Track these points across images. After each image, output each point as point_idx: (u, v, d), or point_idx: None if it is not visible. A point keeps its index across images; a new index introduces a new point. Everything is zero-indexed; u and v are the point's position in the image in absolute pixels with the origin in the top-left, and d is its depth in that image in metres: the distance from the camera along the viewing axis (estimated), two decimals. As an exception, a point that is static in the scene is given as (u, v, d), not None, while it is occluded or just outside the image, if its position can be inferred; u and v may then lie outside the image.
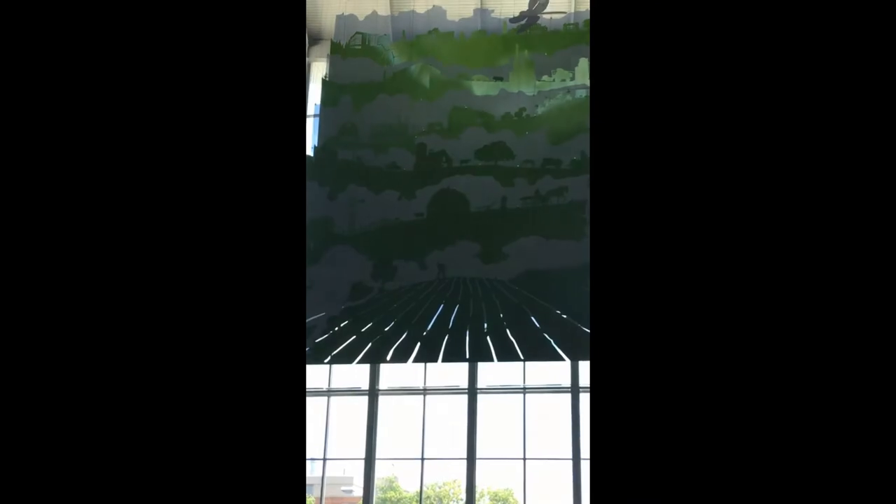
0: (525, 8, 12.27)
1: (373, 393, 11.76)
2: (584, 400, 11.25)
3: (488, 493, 12.11)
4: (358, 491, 11.93)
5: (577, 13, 12.31)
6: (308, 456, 11.72)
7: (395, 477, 12.35)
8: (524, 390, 11.54)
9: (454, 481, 12.06)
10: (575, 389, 11.34)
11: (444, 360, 10.99)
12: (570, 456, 11.13)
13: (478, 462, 11.37)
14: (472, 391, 11.59)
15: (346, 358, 11.01)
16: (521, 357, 10.82)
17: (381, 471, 11.75)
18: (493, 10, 12.48)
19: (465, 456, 11.39)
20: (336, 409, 11.93)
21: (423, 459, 11.57)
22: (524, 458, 11.28)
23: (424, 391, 11.75)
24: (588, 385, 11.29)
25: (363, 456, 11.59)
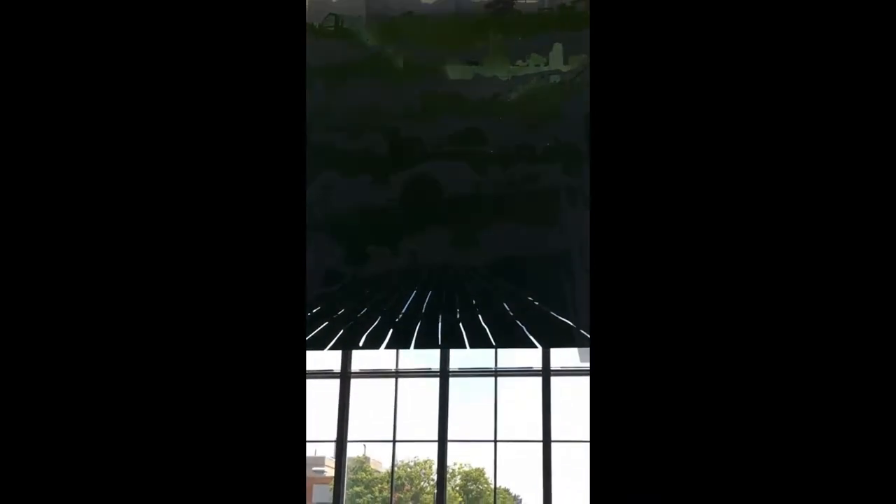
0: (499, -6, 12.19)
1: (345, 376, 11.79)
2: (555, 383, 11.38)
3: (459, 472, 12.23)
4: (329, 471, 12.00)
5: (552, -2, 12.25)
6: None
7: (367, 458, 12.42)
8: (496, 373, 11.61)
9: (425, 461, 12.17)
10: (546, 372, 11.44)
11: (416, 347, 11.02)
12: (541, 438, 11.25)
13: (449, 444, 11.46)
14: (444, 374, 11.66)
15: (318, 344, 11.00)
16: (493, 343, 10.88)
17: (353, 452, 11.82)
18: (467, -6, 12.39)
19: (436, 438, 11.47)
20: (308, 392, 11.95)
21: (394, 441, 11.64)
22: (495, 441, 11.38)
23: (396, 374, 11.80)
24: (559, 368, 11.42)
25: (335, 438, 11.63)
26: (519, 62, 12.06)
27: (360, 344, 11.01)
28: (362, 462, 12.51)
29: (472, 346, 10.91)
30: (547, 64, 11.99)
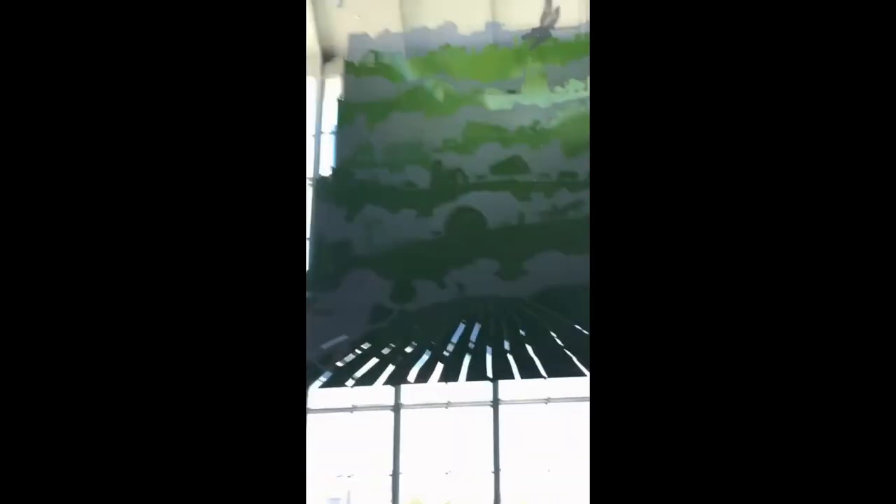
0: (536, 23, 12.19)
1: (396, 408, 11.79)
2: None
3: (514, 504, 12.09)
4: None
5: (588, 23, 12.21)
6: (335, 473, 11.81)
7: (421, 496, 12.36)
8: (547, 401, 11.52)
9: (480, 494, 12.08)
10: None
11: (466, 380, 10.97)
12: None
13: (502, 473, 11.37)
14: (496, 403, 11.60)
15: (368, 381, 11.00)
16: (544, 375, 10.78)
17: (407, 485, 11.77)
18: (504, 24, 12.42)
19: (491, 468, 11.40)
20: (360, 426, 11.98)
21: (448, 473, 11.59)
22: (548, 469, 11.28)
23: (448, 404, 11.76)
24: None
25: (390, 471, 11.61)
26: (558, 88, 12.06)
27: (410, 380, 11.00)
28: (418, 501, 12.44)
29: (522, 378, 10.82)
30: (586, 89, 11.95)
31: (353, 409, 11.88)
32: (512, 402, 11.64)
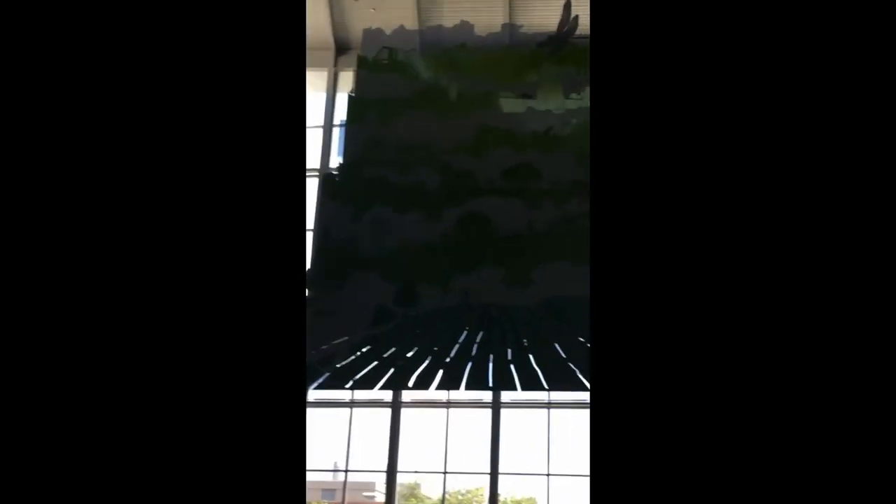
0: (553, 29, 12.05)
1: (396, 405, 11.78)
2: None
3: (511, 501, 12.16)
4: (380, 496, 12.03)
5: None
6: (332, 467, 11.87)
7: (418, 484, 12.43)
8: (549, 405, 11.52)
9: (477, 489, 12.13)
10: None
11: (466, 388, 10.93)
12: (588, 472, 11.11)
13: (500, 477, 11.38)
14: (496, 405, 11.58)
15: (367, 384, 10.96)
16: (546, 386, 10.74)
17: (404, 479, 11.82)
18: (521, 26, 12.28)
19: (488, 470, 11.41)
20: (359, 421, 12.00)
21: (445, 473, 11.61)
22: (548, 475, 11.29)
23: (448, 404, 11.75)
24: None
25: (385, 468, 11.64)
26: (573, 95, 11.92)
27: (410, 385, 10.96)
28: (413, 488, 12.51)
29: (523, 389, 10.75)
30: (602, 97, 11.79)
31: (352, 404, 11.89)
32: (513, 404, 11.63)
